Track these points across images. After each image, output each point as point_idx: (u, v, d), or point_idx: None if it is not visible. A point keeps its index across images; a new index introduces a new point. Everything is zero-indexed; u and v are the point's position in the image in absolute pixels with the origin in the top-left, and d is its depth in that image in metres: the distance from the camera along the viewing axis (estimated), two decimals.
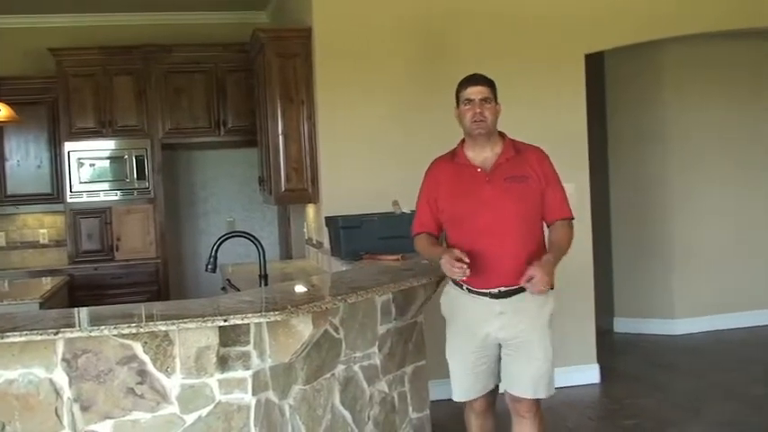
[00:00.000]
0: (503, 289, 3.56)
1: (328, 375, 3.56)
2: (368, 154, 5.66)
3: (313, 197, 5.79)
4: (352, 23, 5.66)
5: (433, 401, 4.43)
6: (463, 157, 3.68)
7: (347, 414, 3.67)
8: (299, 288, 3.64)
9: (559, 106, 5.94)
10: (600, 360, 6.12)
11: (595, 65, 6.84)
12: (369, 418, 3.83)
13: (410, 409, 4.17)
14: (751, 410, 5.37)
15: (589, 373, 5.94)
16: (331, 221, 5.02)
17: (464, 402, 3.80)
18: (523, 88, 5.84)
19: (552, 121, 5.83)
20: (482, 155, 3.65)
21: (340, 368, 3.64)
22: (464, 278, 3.50)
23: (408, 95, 5.74)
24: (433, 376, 4.51)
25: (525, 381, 3.64)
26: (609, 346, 6.92)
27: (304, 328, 3.12)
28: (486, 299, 3.57)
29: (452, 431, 4.74)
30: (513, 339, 3.61)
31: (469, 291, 3.61)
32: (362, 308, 3.78)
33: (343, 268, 4.55)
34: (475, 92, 3.58)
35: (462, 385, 3.73)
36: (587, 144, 6.03)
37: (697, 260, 7.58)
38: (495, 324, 3.59)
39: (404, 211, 4.91)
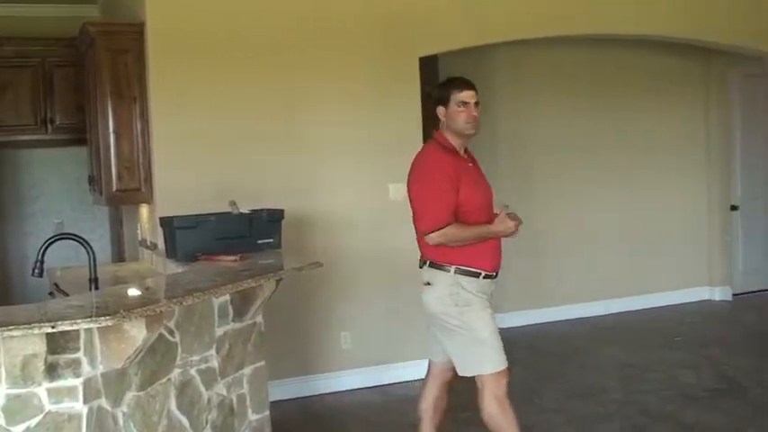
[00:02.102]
0: (498, 270, 4.01)
1: (164, 380, 3.48)
2: (204, 153, 5.56)
3: (146, 197, 5.64)
4: (187, 18, 5.54)
5: (272, 402, 4.41)
6: (456, 151, 3.94)
7: (184, 419, 3.60)
8: (133, 291, 3.55)
9: (394, 108, 6.01)
10: None
11: (432, 67, 6.98)
12: (207, 422, 3.77)
13: (249, 411, 4.14)
14: (578, 397, 5.64)
15: (425, 368, 6.05)
16: (166, 222, 4.90)
17: (503, 377, 4.05)
18: (360, 88, 5.90)
19: (388, 123, 5.92)
20: (460, 150, 3.98)
21: (176, 372, 3.57)
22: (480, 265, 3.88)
23: (246, 94, 5.68)
24: (272, 377, 4.48)
25: None
26: None
27: (137, 333, 3.03)
28: (490, 280, 3.98)
29: (292, 431, 4.74)
30: None
31: (485, 276, 3.92)
32: (199, 310, 3.73)
33: (179, 270, 4.45)
34: (469, 96, 3.91)
35: (503, 354, 4.03)
36: (422, 146, 6.14)
37: (525, 258, 7.88)
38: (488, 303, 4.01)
39: (241, 211, 4.86)
